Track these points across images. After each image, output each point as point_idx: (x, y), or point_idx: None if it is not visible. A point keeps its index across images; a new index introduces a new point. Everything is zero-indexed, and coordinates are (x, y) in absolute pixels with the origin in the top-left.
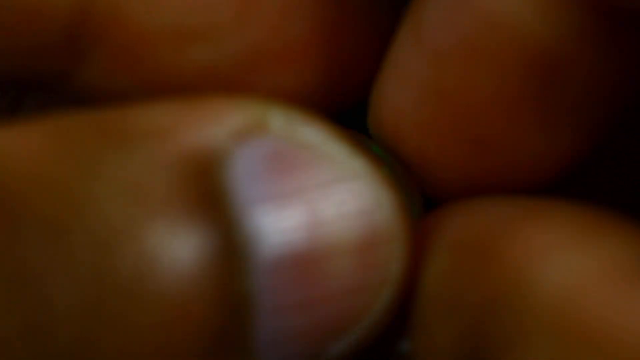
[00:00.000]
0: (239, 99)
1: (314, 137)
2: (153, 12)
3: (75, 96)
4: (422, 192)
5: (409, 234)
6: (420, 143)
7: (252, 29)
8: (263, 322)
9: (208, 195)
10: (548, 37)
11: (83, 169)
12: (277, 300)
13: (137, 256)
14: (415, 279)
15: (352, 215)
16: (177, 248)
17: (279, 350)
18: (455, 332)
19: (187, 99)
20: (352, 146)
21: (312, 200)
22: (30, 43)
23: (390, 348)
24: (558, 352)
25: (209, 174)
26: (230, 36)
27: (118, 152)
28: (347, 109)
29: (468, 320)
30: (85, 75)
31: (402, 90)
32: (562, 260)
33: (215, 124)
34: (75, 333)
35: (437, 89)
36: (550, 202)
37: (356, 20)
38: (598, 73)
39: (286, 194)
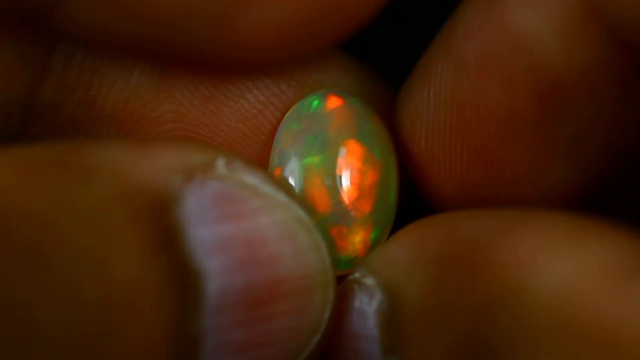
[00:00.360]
0: (187, 143)
1: (255, 180)
2: None
3: (59, 36)
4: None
5: (336, 281)
6: (430, 146)
7: None
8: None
9: (161, 234)
10: (568, 70)
11: (53, 201)
12: (221, 339)
13: (104, 283)
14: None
15: (290, 257)
16: (135, 280)
17: None
18: (446, 341)
19: (140, 138)
20: (289, 190)
21: (252, 241)
22: None
23: None
24: (563, 350)
25: (161, 213)
26: None
27: (81, 186)
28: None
29: (463, 329)
30: (69, 10)
31: (424, 90)
32: (553, 261)
33: (167, 164)
34: (58, 352)
35: (454, 96)
36: (531, 211)
37: None
38: (614, 112)
39: (229, 236)
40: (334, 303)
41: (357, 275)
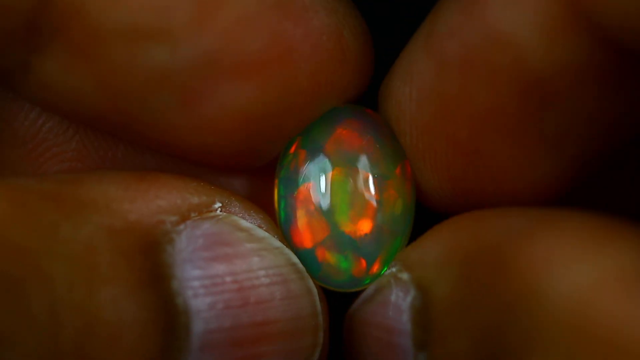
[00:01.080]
0: (187, 183)
1: (250, 224)
2: (111, 7)
3: (32, 95)
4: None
5: (328, 323)
6: (415, 141)
7: (209, 36)
8: None
9: (150, 271)
10: (550, 66)
11: (41, 235)
12: None
13: (84, 317)
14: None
15: (280, 301)
16: (119, 316)
17: None
18: (470, 340)
19: (138, 173)
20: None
21: (242, 283)
22: None
23: None
24: (576, 352)
25: (152, 251)
26: (186, 41)
27: (71, 220)
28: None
29: (483, 328)
30: (43, 69)
31: (406, 88)
32: (576, 266)
33: (162, 203)
34: None
35: (437, 93)
36: (560, 211)
37: (317, 38)
38: (596, 106)
39: (219, 276)
40: (324, 346)
41: (394, 269)
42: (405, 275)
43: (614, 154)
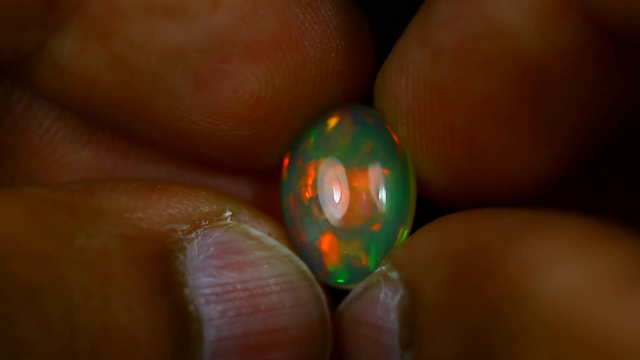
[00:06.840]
0: (197, 192)
1: (260, 232)
2: None
3: (45, 83)
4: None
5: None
6: (412, 132)
7: (224, 15)
8: None
9: (162, 278)
10: (546, 54)
11: (57, 243)
12: None
13: (100, 324)
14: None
15: (290, 308)
16: (133, 322)
17: None
18: (456, 340)
19: (149, 183)
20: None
21: (252, 291)
22: (12, 8)
23: None
24: (560, 353)
25: (164, 259)
26: (200, 19)
27: (85, 229)
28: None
29: (469, 328)
30: (59, 49)
31: (401, 79)
32: (563, 268)
33: (173, 212)
34: None
35: (433, 83)
36: (550, 213)
37: (325, 26)
38: (593, 93)
39: (230, 284)
40: (331, 352)
41: (383, 268)
42: (394, 274)
43: (610, 145)
